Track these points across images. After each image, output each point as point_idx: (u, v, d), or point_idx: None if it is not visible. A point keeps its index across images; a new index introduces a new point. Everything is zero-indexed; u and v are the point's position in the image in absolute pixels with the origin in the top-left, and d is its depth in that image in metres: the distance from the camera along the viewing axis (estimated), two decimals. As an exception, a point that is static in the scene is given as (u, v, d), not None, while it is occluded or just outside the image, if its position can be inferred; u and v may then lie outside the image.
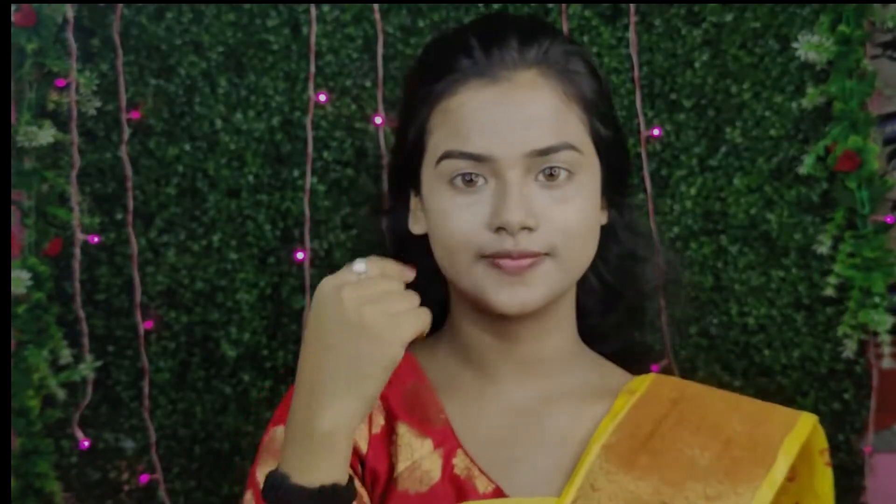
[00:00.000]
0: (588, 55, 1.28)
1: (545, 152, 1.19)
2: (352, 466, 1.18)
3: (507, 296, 1.19)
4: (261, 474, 1.19)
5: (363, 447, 1.22)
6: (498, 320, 1.24)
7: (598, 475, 1.20)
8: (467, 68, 1.21)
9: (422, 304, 1.32)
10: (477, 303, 1.23)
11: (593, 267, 1.28)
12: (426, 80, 1.25)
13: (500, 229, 1.18)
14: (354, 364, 1.09)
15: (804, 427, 1.26)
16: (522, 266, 1.18)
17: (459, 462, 1.23)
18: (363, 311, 1.09)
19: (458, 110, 1.21)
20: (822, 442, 1.30)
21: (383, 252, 1.30)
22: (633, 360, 1.37)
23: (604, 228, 1.28)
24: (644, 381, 1.31)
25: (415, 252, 1.28)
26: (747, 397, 1.33)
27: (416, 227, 1.29)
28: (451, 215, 1.21)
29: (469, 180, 1.20)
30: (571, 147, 1.20)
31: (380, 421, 1.25)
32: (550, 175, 1.19)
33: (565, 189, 1.20)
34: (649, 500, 1.18)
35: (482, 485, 1.22)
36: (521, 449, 1.25)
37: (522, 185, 1.18)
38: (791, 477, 1.29)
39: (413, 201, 1.29)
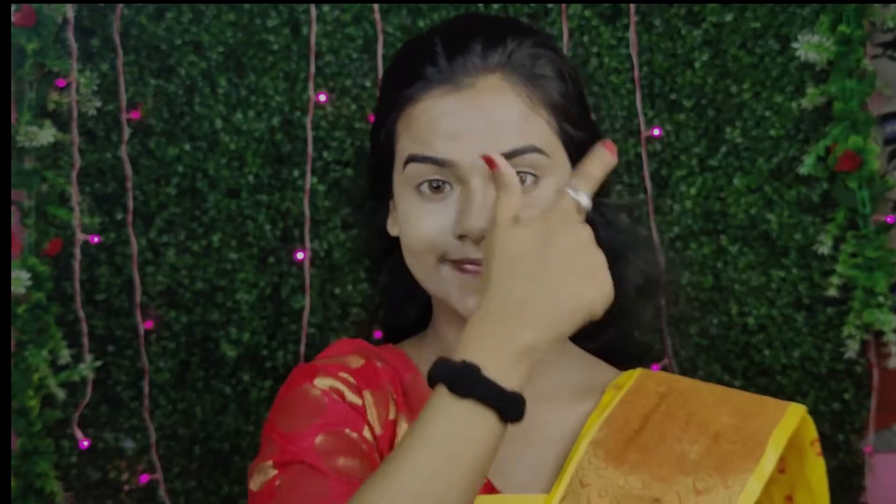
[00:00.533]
0: (556, 57, 1.27)
1: (510, 156, 1.18)
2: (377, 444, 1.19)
3: (473, 301, 1.19)
4: (281, 426, 1.18)
5: (378, 428, 1.22)
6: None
7: (588, 471, 1.21)
8: (431, 75, 1.21)
9: (405, 306, 1.33)
10: (446, 306, 1.23)
11: None
12: (394, 85, 1.25)
13: (462, 236, 1.18)
14: (573, 298, 1.07)
15: (792, 418, 1.26)
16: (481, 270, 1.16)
17: None
18: (596, 256, 1.08)
19: (420, 116, 1.21)
20: (811, 432, 1.30)
21: (368, 252, 1.31)
22: (630, 359, 1.37)
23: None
24: (631, 376, 1.31)
25: (395, 253, 1.29)
26: (736, 390, 1.33)
27: (393, 229, 1.30)
28: (417, 221, 1.21)
29: (436, 187, 1.20)
30: (537, 150, 1.20)
31: (394, 409, 1.25)
32: None
33: (531, 194, 1.19)
34: (639, 495, 1.19)
35: None
36: (511, 448, 1.25)
37: (486, 192, 1.18)
38: (782, 469, 1.30)
39: (391, 203, 1.30)
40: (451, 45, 1.22)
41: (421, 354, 1.31)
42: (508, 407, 1.04)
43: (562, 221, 1.08)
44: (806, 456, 1.30)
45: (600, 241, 1.30)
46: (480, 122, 1.19)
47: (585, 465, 1.22)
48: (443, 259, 1.20)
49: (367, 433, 1.20)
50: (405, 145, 1.22)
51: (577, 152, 1.25)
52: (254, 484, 1.19)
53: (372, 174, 1.31)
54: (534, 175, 1.20)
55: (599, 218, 1.31)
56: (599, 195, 1.27)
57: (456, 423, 1.03)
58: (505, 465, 1.24)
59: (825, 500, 1.31)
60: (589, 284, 1.08)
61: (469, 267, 1.18)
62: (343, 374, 1.24)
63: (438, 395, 1.05)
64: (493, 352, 1.05)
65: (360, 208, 1.37)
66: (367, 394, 1.24)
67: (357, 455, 1.17)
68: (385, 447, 1.23)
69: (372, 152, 1.30)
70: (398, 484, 1.02)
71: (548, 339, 1.06)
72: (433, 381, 1.05)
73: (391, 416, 1.24)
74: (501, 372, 1.04)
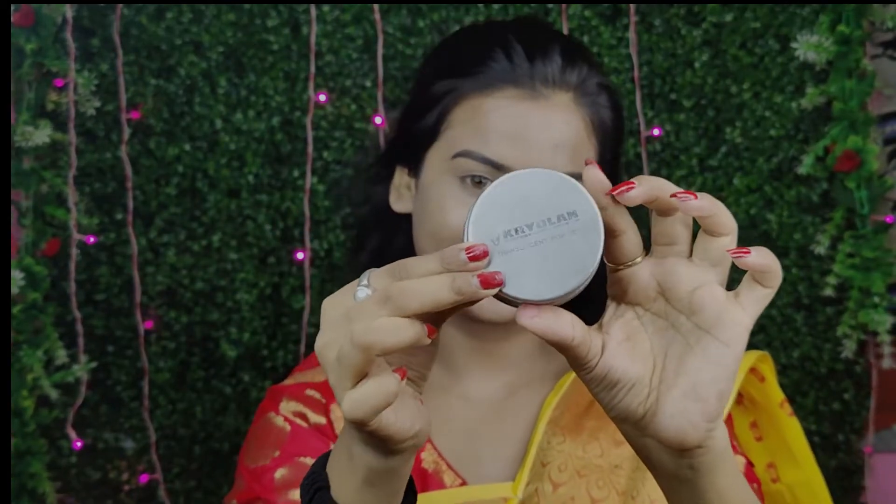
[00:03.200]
0: (615, 90, 1.27)
1: None
2: None
3: (493, 305, 1.18)
4: (247, 461, 1.21)
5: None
6: (469, 319, 1.24)
7: (547, 451, 1.22)
8: (505, 72, 1.19)
9: None
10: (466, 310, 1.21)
11: None
12: (454, 70, 1.23)
13: None
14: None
15: (745, 361, 1.25)
16: None
17: (427, 456, 1.25)
18: (333, 354, 0.85)
19: (488, 113, 1.19)
20: (777, 394, 1.30)
21: (359, 222, 1.29)
22: None
23: None
24: None
25: (390, 228, 1.28)
26: None
27: (398, 205, 1.29)
28: (450, 209, 1.19)
29: (478, 182, 1.19)
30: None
31: None
32: None
33: None
34: (598, 464, 1.20)
35: (449, 479, 1.23)
36: (485, 441, 1.27)
37: None
38: (758, 437, 1.30)
39: (399, 177, 1.29)
40: (531, 48, 1.21)
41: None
42: None
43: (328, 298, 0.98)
44: (778, 419, 1.30)
45: None
46: (545, 135, 1.18)
47: (545, 444, 1.23)
48: None
49: None
50: (460, 136, 1.20)
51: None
52: None
53: (396, 147, 1.29)
54: None
55: None
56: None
57: None
58: (479, 460, 1.25)
59: (808, 460, 1.31)
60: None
61: None
62: (309, 392, 1.25)
63: None
64: (343, 475, 0.94)
65: (368, 179, 1.35)
66: (334, 407, 1.24)
67: None
68: None
69: (405, 126, 1.27)
70: None
71: (382, 461, 1.01)
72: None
73: None
74: (347, 495, 0.93)
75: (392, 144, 1.33)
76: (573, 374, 1.29)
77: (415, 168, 1.26)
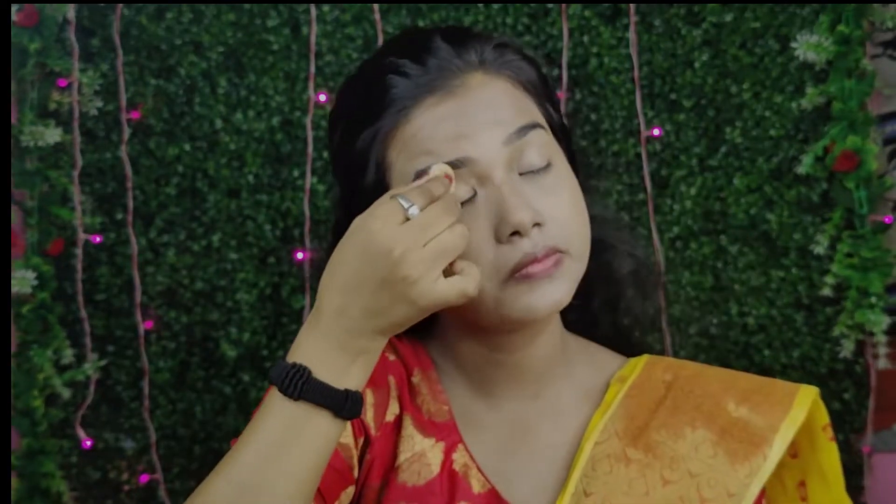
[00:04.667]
0: (514, 42, 1.24)
1: (520, 133, 1.15)
2: (354, 438, 1.19)
3: (537, 299, 1.17)
4: None
5: (373, 429, 1.21)
6: (487, 332, 1.22)
7: (591, 479, 1.19)
8: (410, 87, 1.16)
9: None
10: (500, 318, 1.17)
11: None
12: (366, 119, 1.18)
13: (513, 234, 1.13)
14: (385, 313, 1.05)
15: (802, 406, 1.24)
16: (549, 267, 1.14)
17: (459, 457, 1.23)
18: (406, 280, 1.03)
19: (420, 132, 1.15)
20: (823, 417, 1.28)
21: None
22: (634, 349, 1.36)
23: None
24: (637, 366, 1.29)
25: None
26: (743, 373, 1.30)
27: None
28: None
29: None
30: (539, 125, 1.17)
31: (395, 410, 1.24)
32: (531, 169, 1.15)
33: (549, 177, 1.16)
34: (644, 502, 1.17)
35: (478, 484, 1.21)
36: (518, 458, 1.24)
37: (513, 184, 1.14)
38: (794, 454, 1.28)
39: None
40: (416, 55, 1.18)
41: (435, 346, 1.29)
42: (342, 406, 1.05)
43: (380, 228, 1.04)
44: (818, 441, 1.28)
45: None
46: (482, 115, 1.15)
47: (589, 472, 1.20)
48: (504, 278, 1.14)
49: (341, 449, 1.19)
50: (405, 166, 1.16)
51: (562, 135, 1.24)
52: None
53: (355, 208, 1.17)
54: (546, 158, 1.17)
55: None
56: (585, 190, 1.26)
57: (286, 423, 1.04)
58: (512, 476, 1.23)
59: (839, 485, 1.29)
60: (402, 305, 1.05)
61: (534, 269, 1.14)
62: None
63: (271, 397, 1.06)
64: (325, 354, 1.05)
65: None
66: (367, 392, 1.23)
67: None
68: (382, 449, 1.22)
69: (350, 204, 1.21)
70: (223, 478, 1.06)
71: (378, 344, 1.07)
72: (270, 381, 1.07)
73: (389, 417, 1.23)
74: (334, 373, 1.04)
75: (349, 217, 1.22)
76: (622, 391, 1.26)
77: None
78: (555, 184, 1.17)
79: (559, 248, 1.15)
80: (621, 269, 1.33)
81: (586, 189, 1.24)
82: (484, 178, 1.15)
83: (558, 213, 1.16)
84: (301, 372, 1.05)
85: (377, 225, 1.04)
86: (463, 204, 1.14)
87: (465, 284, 1.07)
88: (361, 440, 1.21)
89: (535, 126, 1.17)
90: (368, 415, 1.21)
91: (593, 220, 1.22)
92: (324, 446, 1.06)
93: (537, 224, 1.14)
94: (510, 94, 1.19)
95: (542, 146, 1.17)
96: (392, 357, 1.26)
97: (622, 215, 1.38)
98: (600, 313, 1.34)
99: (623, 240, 1.34)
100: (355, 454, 1.19)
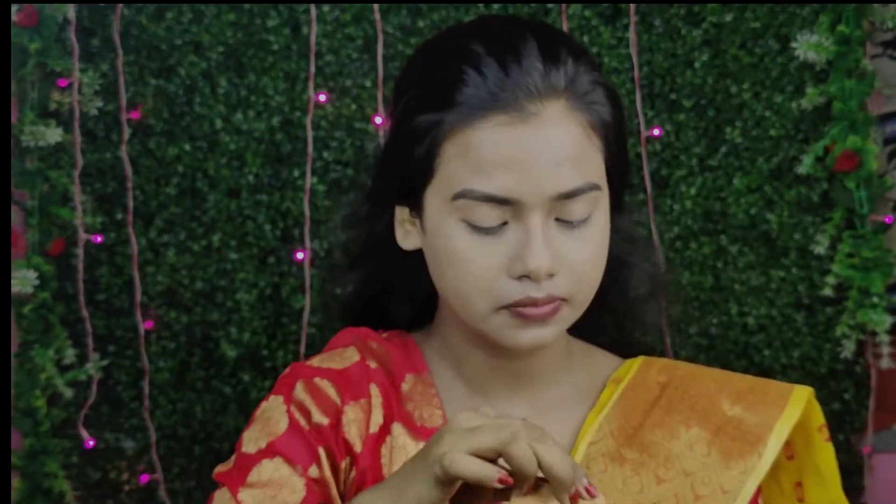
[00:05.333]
0: (608, 81, 1.20)
1: (572, 195, 1.12)
2: (334, 460, 1.18)
3: (523, 335, 1.15)
4: (247, 440, 1.20)
5: (357, 446, 1.21)
6: (489, 340, 1.22)
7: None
8: (484, 98, 1.11)
9: (407, 303, 1.28)
10: (484, 335, 1.18)
11: None
12: (433, 101, 1.14)
13: (523, 277, 1.12)
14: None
15: (796, 406, 1.24)
16: (546, 312, 1.13)
17: None
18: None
19: (479, 147, 1.11)
20: (818, 418, 1.28)
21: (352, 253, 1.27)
22: (632, 349, 1.36)
23: None
24: (631, 367, 1.29)
25: (391, 261, 1.24)
26: (738, 374, 1.31)
27: (406, 242, 1.22)
28: (466, 258, 1.13)
29: (485, 231, 1.15)
30: (595, 187, 1.14)
31: (378, 420, 1.23)
32: (569, 220, 1.13)
33: (584, 229, 1.14)
34: (638, 500, 1.18)
35: None
36: None
37: (545, 229, 1.12)
38: (790, 455, 1.28)
39: (401, 214, 1.23)
40: (504, 57, 1.13)
41: (431, 348, 1.29)
42: None
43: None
44: (814, 442, 1.28)
45: (610, 250, 1.27)
46: (545, 156, 1.11)
47: (584, 470, 1.20)
48: (497, 307, 1.14)
49: (316, 466, 1.19)
50: (457, 173, 1.13)
51: (614, 172, 1.21)
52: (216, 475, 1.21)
53: (390, 184, 1.21)
54: (586, 217, 1.14)
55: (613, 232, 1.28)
56: (618, 208, 1.25)
57: None
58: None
59: (836, 486, 1.29)
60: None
61: (529, 311, 1.13)
62: (322, 384, 1.22)
63: None
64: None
65: (357, 208, 1.31)
66: (347, 409, 1.22)
67: (277, 490, 1.17)
68: (369, 461, 1.21)
69: (394, 162, 1.19)
70: None
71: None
72: None
73: (373, 429, 1.22)
74: None
75: (383, 182, 1.23)
76: (617, 391, 1.26)
77: (415, 207, 1.21)
78: (585, 235, 1.15)
79: (562, 297, 1.14)
80: (639, 288, 1.32)
81: (621, 208, 1.23)
82: (519, 215, 1.13)
83: (577, 263, 1.14)
84: None
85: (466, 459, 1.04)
86: (488, 230, 1.12)
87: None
88: (345, 462, 1.20)
89: (590, 189, 1.14)
90: (352, 431, 1.20)
91: (616, 233, 1.22)
92: None
93: (552, 274, 1.13)
94: (581, 142, 1.14)
95: (590, 202, 1.14)
96: (374, 364, 1.25)
97: (640, 230, 1.36)
98: (609, 324, 1.34)
99: (642, 258, 1.33)
100: (333, 486, 1.19)
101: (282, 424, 1.20)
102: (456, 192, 1.12)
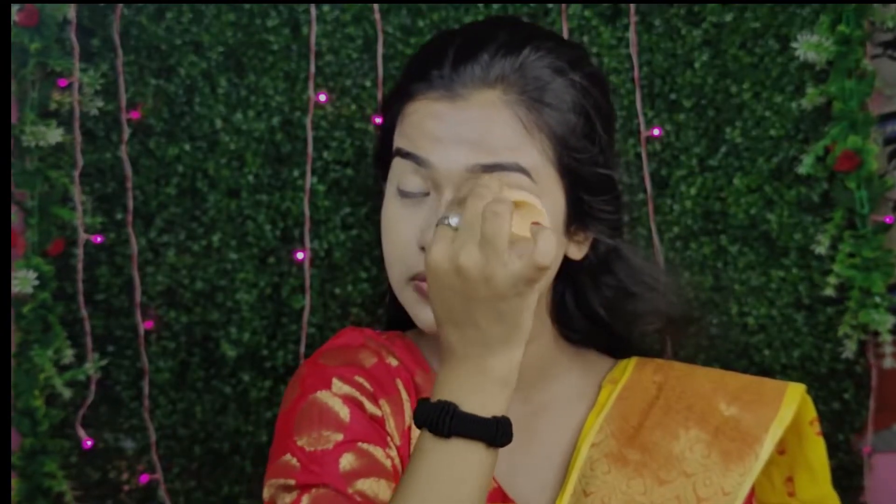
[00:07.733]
0: (574, 86, 1.22)
1: (490, 168, 1.16)
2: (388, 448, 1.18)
3: (420, 311, 1.18)
4: (302, 442, 1.17)
5: (396, 439, 1.21)
6: None
7: (590, 478, 1.20)
8: (434, 78, 1.21)
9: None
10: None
11: (582, 298, 1.27)
12: (402, 80, 1.27)
13: (424, 248, 1.16)
14: (490, 323, 1.04)
15: (790, 403, 1.25)
16: None
17: None
18: (479, 282, 1.02)
19: (412, 114, 1.22)
20: (810, 412, 1.29)
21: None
22: (625, 350, 1.36)
23: (599, 262, 1.26)
24: (626, 368, 1.30)
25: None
26: (731, 372, 1.32)
27: None
28: (391, 225, 1.21)
29: (406, 195, 1.20)
30: (522, 170, 1.16)
31: (409, 415, 1.24)
32: None
33: None
34: (642, 502, 1.18)
35: None
36: (517, 456, 1.24)
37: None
38: (781, 451, 1.29)
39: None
40: (461, 52, 1.21)
41: (430, 346, 1.29)
42: (494, 434, 1.05)
43: (438, 253, 1.05)
44: (805, 436, 1.29)
45: (615, 278, 1.29)
46: (467, 133, 1.17)
47: (588, 471, 1.21)
48: (407, 279, 1.19)
49: (391, 448, 1.19)
50: (397, 139, 1.24)
51: (581, 188, 1.21)
52: (272, 499, 1.17)
53: (375, 164, 1.34)
54: None
55: (614, 256, 1.29)
56: (614, 232, 1.26)
57: (445, 463, 1.03)
58: (513, 473, 1.24)
59: (826, 479, 1.30)
60: (487, 295, 1.04)
61: (424, 285, 1.15)
62: (359, 380, 1.22)
63: (424, 439, 1.05)
64: (469, 387, 1.04)
65: (370, 200, 1.39)
66: (383, 403, 1.22)
67: (380, 474, 1.15)
68: (405, 457, 1.21)
69: (376, 141, 1.34)
70: None
71: (509, 358, 1.06)
72: (417, 424, 1.06)
73: (408, 422, 1.23)
74: (478, 403, 1.04)
75: (374, 164, 1.37)
76: (614, 390, 1.27)
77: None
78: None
79: None
80: (640, 316, 1.33)
81: (618, 244, 1.24)
82: (437, 188, 1.18)
83: None
84: (447, 408, 1.04)
85: (435, 253, 1.04)
86: (411, 196, 1.19)
87: (534, 256, 1.01)
88: (393, 451, 1.20)
89: (514, 169, 1.16)
90: (391, 424, 1.21)
91: (625, 270, 1.24)
92: (482, 478, 1.04)
93: None
94: (512, 127, 1.18)
95: (518, 188, 1.15)
96: (394, 363, 1.26)
97: (654, 267, 1.36)
98: (604, 335, 1.35)
99: (647, 289, 1.33)
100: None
101: (343, 414, 1.19)
102: (393, 151, 1.23)
